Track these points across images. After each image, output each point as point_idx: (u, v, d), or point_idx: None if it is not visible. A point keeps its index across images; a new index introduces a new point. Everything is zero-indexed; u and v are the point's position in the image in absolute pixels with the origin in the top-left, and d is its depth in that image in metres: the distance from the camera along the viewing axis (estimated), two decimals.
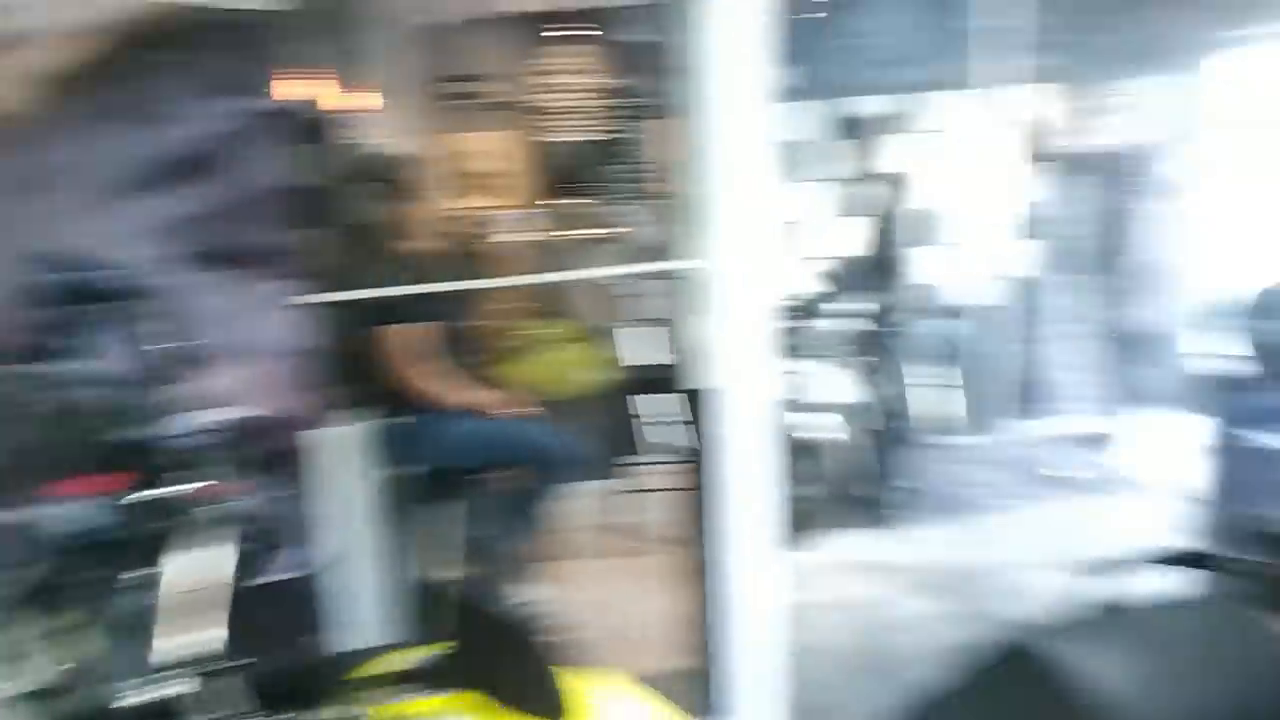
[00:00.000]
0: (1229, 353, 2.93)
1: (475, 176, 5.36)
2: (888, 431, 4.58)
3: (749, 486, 2.27)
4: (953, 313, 4.79)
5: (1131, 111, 4.50)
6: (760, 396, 2.21)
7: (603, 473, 3.73)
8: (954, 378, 4.65)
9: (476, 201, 5.28)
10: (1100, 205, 4.34)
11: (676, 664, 2.60)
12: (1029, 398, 4.87)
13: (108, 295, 0.87)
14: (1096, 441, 4.44)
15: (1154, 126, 4.57)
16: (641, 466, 3.58)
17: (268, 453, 2.15)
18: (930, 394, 4.54)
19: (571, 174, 5.47)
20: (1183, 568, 1.34)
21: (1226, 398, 2.88)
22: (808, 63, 4.59)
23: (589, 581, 3.42)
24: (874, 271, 4.57)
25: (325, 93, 4.20)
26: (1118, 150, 4.28)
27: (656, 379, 3.12)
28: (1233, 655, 1.02)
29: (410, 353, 2.69)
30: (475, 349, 3.31)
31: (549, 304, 4.49)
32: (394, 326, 2.69)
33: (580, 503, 3.73)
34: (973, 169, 4.80)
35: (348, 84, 4.18)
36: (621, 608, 3.19)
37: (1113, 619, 1.18)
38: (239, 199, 2.13)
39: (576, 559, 3.55)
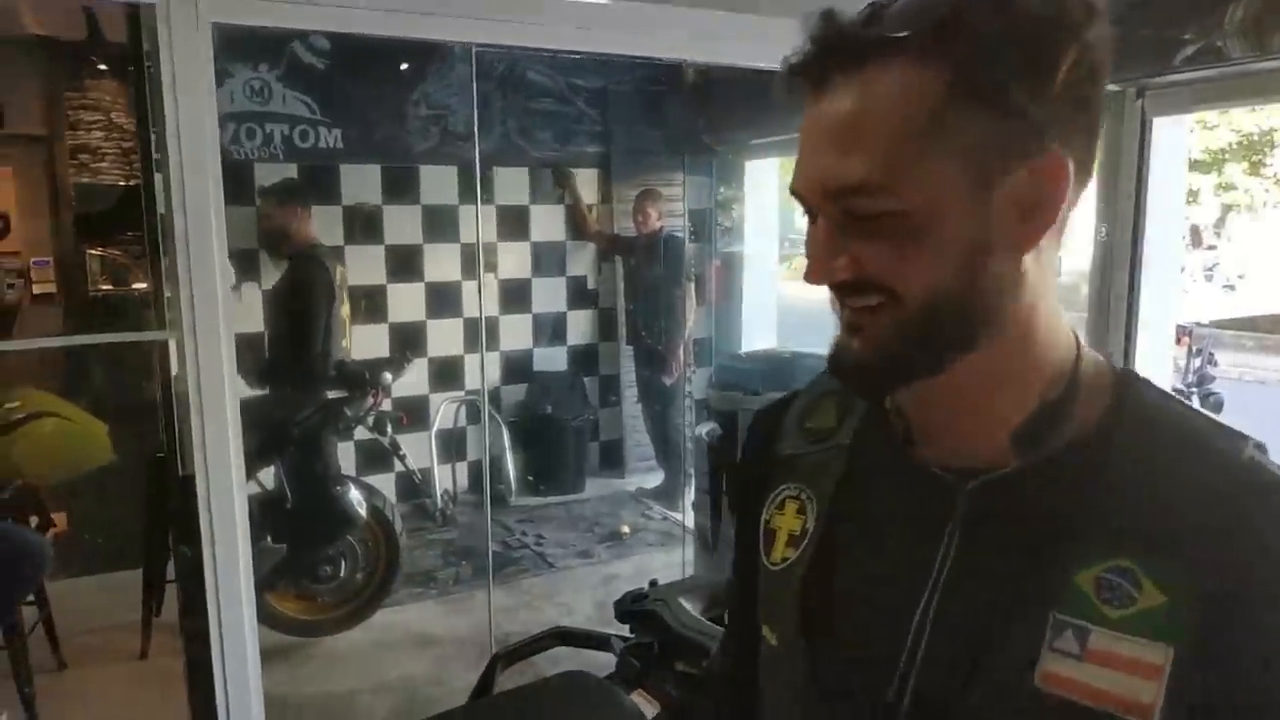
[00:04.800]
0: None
1: None
2: (449, 497, 4.64)
3: (233, 574, 2.10)
4: (519, 378, 5.00)
5: (671, 201, 5.07)
6: (235, 476, 2.07)
7: (117, 563, 3.30)
8: (525, 440, 4.83)
9: None
10: (641, 281, 4.80)
11: None
12: (593, 458, 5.23)
13: None
14: (655, 495, 4.83)
15: (692, 215, 5.19)
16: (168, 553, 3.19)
17: None
18: (504, 456, 4.67)
19: (106, 220, 4.88)
20: (579, 646, 1.45)
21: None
22: (367, 126, 4.58)
23: (80, 695, 2.96)
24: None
25: None
26: (660, 234, 4.78)
27: (159, 460, 2.82)
28: None
29: None
30: None
31: (46, 369, 3.92)
32: None
33: (92, 599, 3.27)
34: (535, 242, 5.09)
35: None
36: (123, 711, 2.81)
37: (474, 710, 1.24)
38: None
39: (73, 666, 3.07)
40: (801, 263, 0.64)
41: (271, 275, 3.64)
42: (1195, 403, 4.61)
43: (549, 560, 4.16)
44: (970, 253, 0.58)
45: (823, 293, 0.63)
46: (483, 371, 4.27)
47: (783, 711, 0.71)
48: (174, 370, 2.16)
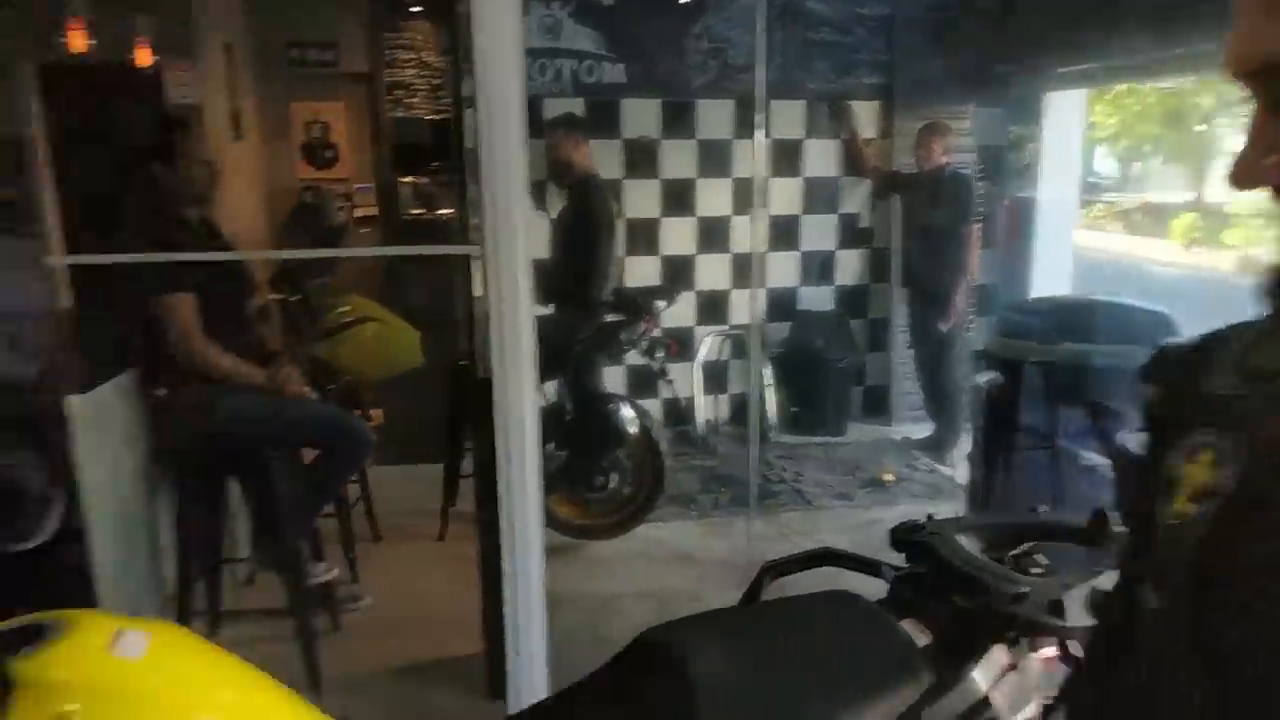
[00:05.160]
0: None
1: (313, 147, 5.23)
2: (712, 427, 4.74)
3: (521, 473, 2.29)
4: (784, 315, 4.98)
5: (959, 136, 4.75)
6: (527, 385, 2.23)
7: (423, 455, 3.70)
8: (786, 378, 4.82)
9: (312, 172, 5.15)
10: (926, 222, 4.56)
11: (464, 647, 2.62)
12: (859, 402, 5.12)
13: None
14: (924, 446, 4.66)
15: (981, 151, 4.85)
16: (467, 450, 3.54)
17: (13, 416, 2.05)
18: (763, 393, 4.69)
19: (417, 152, 5.39)
20: (849, 568, 1.43)
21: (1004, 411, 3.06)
22: (649, 61, 4.67)
23: (393, 564, 3.39)
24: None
25: (139, 46, 4.00)
26: (944, 171, 4.52)
27: (460, 366, 3.11)
28: (842, 644, 1.11)
29: (191, 322, 2.58)
30: (278, 324, 3.22)
31: (369, 282, 4.42)
32: (180, 295, 2.58)
33: (398, 485, 3.71)
34: (808, 178, 4.99)
35: (166, 39, 3.99)
36: (422, 590, 3.18)
37: (740, 613, 1.26)
38: None
39: (384, 541, 3.51)
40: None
41: (556, 206, 3.85)
42: None
43: (807, 498, 4.15)
44: None
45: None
46: (752, 306, 4.27)
47: (1156, 678, 0.61)
48: (476, 286, 2.36)
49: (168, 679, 0.92)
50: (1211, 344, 0.64)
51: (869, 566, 1.39)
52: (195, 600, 2.67)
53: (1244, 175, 0.52)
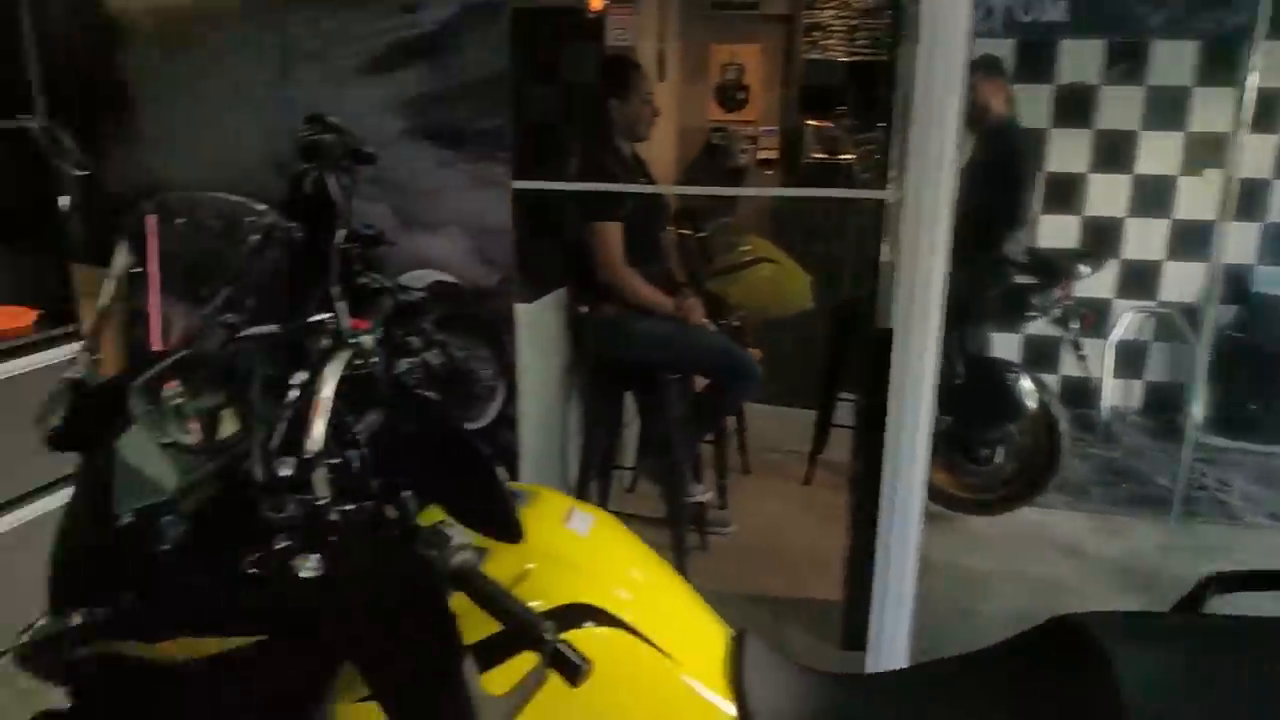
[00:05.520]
0: None
1: (728, 89, 5.38)
2: (1122, 414, 4.22)
3: (913, 434, 2.22)
4: (1240, 299, 4.25)
5: None
6: (932, 341, 2.13)
7: (801, 400, 3.75)
8: (1225, 370, 4.14)
9: (723, 114, 5.32)
10: None
11: (823, 591, 2.65)
12: None
13: (362, 158, 1.02)
14: None
15: None
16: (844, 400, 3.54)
17: (457, 316, 2.40)
18: (1185, 383, 4.10)
19: (824, 94, 5.33)
20: None
21: None
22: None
23: (764, 499, 3.50)
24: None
25: None
26: None
27: (848, 313, 3.07)
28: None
29: (618, 249, 2.82)
30: (685, 258, 3.41)
31: (766, 223, 4.48)
32: (610, 223, 2.82)
33: (776, 426, 3.81)
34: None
35: None
36: (788, 529, 3.26)
37: (1180, 621, 1.10)
38: (466, 83, 2.31)
39: (757, 476, 3.63)
40: None
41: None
42: None
43: (1233, 510, 3.57)
44: None
45: None
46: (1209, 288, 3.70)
47: None
48: (882, 235, 2.29)
49: (605, 556, 1.04)
50: None
51: None
52: (588, 496, 2.98)
53: None
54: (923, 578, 2.38)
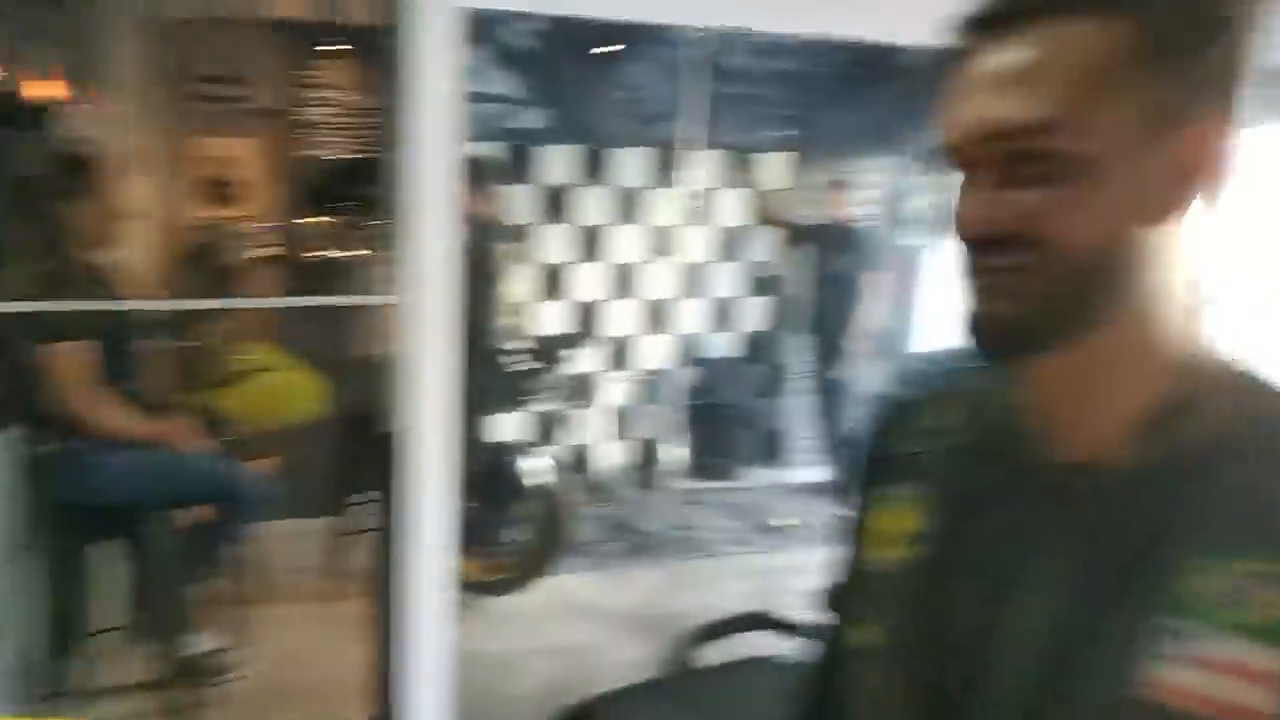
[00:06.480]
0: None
1: (215, 185, 5.09)
2: (615, 474, 4.77)
3: (429, 531, 2.25)
4: (691, 361, 5.05)
5: (859, 188, 4.94)
6: (446, 438, 2.21)
7: (315, 510, 3.61)
8: (685, 423, 4.89)
9: (212, 211, 5.01)
10: (826, 271, 4.71)
11: (357, 715, 2.55)
12: (759, 447, 5.21)
13: None
14: (821, 491, 4.77)
15: (880, 203, 5.05)
16: (361, 505, 3.47)
17: None
18: (662, 439, 4.75)
19: (328, 191, 5.31)
20: (780, 632, 1.46)
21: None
22: (566, 107, 4.73)
23: (278, 627, 3.26)
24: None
25: (36, 78, 3.85)
26: (845, 222, 4.69)
27: (359, 416, 3.05)
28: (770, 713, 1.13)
29: (82, 374, 2.48)
30: (170, 372, 3.12)
31: (265, 329, 4.30)
32: (65, 343, 2.47)
33: (287, 543, 3.59)
34: (720, 227, 5.10)
35: (61, 72, 3.84)
36: (307, 656, 3.08)
37: (671, 682, 1.29)
38: None
39: (268, 603, 3.38)
40: None
41: None
42: None
43: (708, 545, 4.20)
44: (1125, 212, 0.58)
45: None
46: (657, 355, 4.33)
47: (874, 716, 0.70)
48: (392, 332, 2.32)
49: None
50: (908, 407, 0.77)
51: (800, 630, 1.41)
52: (66, 674, 2.54)
53: (976, 226, 0.61)
54: (458, 671, 2.42)
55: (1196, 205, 0.60)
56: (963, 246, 0.63)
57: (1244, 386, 0.62)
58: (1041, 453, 0.65)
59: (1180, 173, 0.59)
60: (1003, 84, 0.59)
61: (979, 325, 0.63)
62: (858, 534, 0.76)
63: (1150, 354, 0.62)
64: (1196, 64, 0.57)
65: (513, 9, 2.11)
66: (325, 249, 5.15)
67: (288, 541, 3.58)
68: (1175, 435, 0.60)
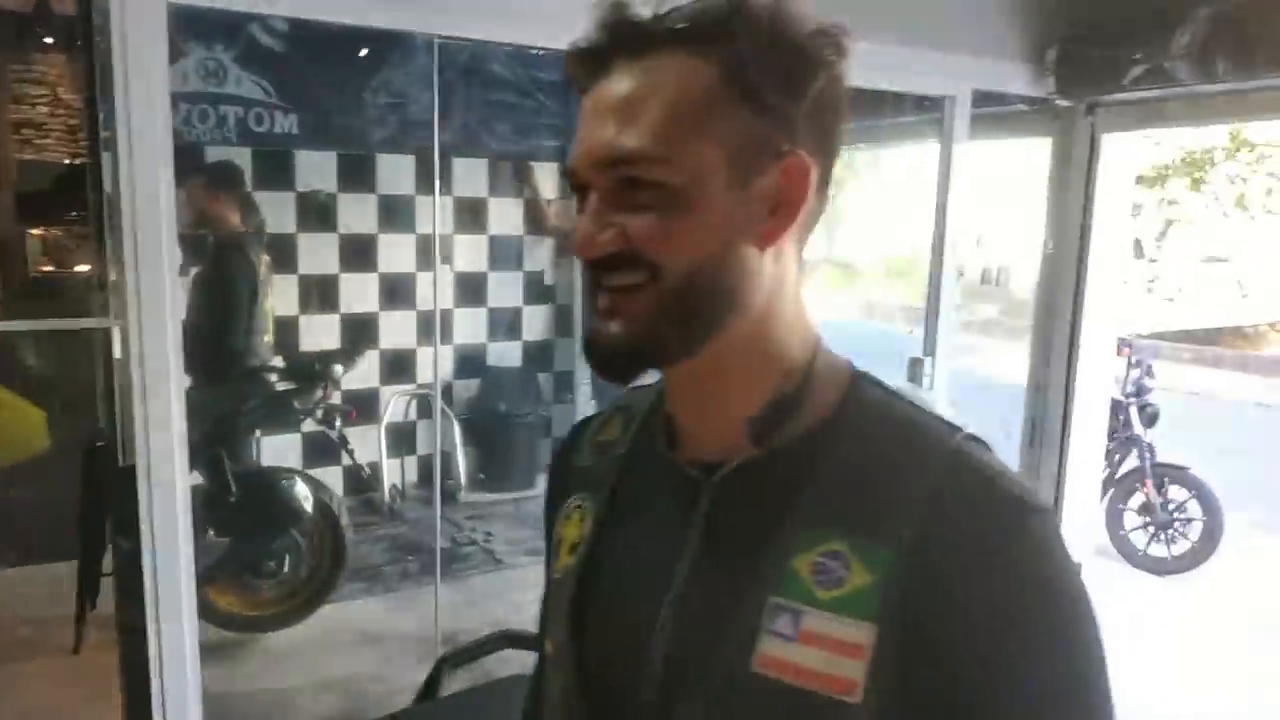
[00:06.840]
0: None
1: None
2: (399, 492, 4.59)
3: (173, 569, 2.05)
4: (472, 372, 4.96)
5: None
6: (179, 468, 2.02)
7: (51, 555, 3.20)
8: (470, 435, 4.79)
9: None
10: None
11: None
12: (547, 455, 5.20)
13: None
14: None
15: None
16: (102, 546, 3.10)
17: None
18: (450, 452, 4.63)
19: (48, 200, 4.74)
20: (528, 649, 1.44)
21: None
22: (319, 112, 4.51)
23: (10, 688, 2.87)
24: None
25: None
26: None
27: (95, 449, 2.75)
28: None
29: None
30: None
31: None
32: None
33: (22, 591, 3.18)
34: (492, 235, 5.05)
35: None
36: (47, 715, 2.73)
37: (425, 711, 1.24)
38: None
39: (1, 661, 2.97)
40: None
41: None
42: (1134, 414, 4.73)
43: (498, 558, 4.14)
44: (725, 237, 0.63)
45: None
46: (435, 366, 4.22)
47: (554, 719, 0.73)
48: (117, 357, 2.10)
49: None
50: (582, 427, 0.81)
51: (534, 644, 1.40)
52: None
53: (589, 247, 0.63)
54: (225, 714, 2.22)
55: (799, 226, 0.65)
56: (584, 266, 0.65)
57: (845, 380, 0.68)
58: (679, 456, 0.70)
59: (778, 199, 0.63)
60: (611, 114, 0.63)
61: (590, 346, 0.66)
62: (551, 546, 0.79)
63: (760, 360, 0.67)
64: (787, 104, 0.62)
65: (222, 7, 1.97)
66: (54, 263, 4.59)
67: (31, 589, 3.17)
68: (784, 431, 0.65)
